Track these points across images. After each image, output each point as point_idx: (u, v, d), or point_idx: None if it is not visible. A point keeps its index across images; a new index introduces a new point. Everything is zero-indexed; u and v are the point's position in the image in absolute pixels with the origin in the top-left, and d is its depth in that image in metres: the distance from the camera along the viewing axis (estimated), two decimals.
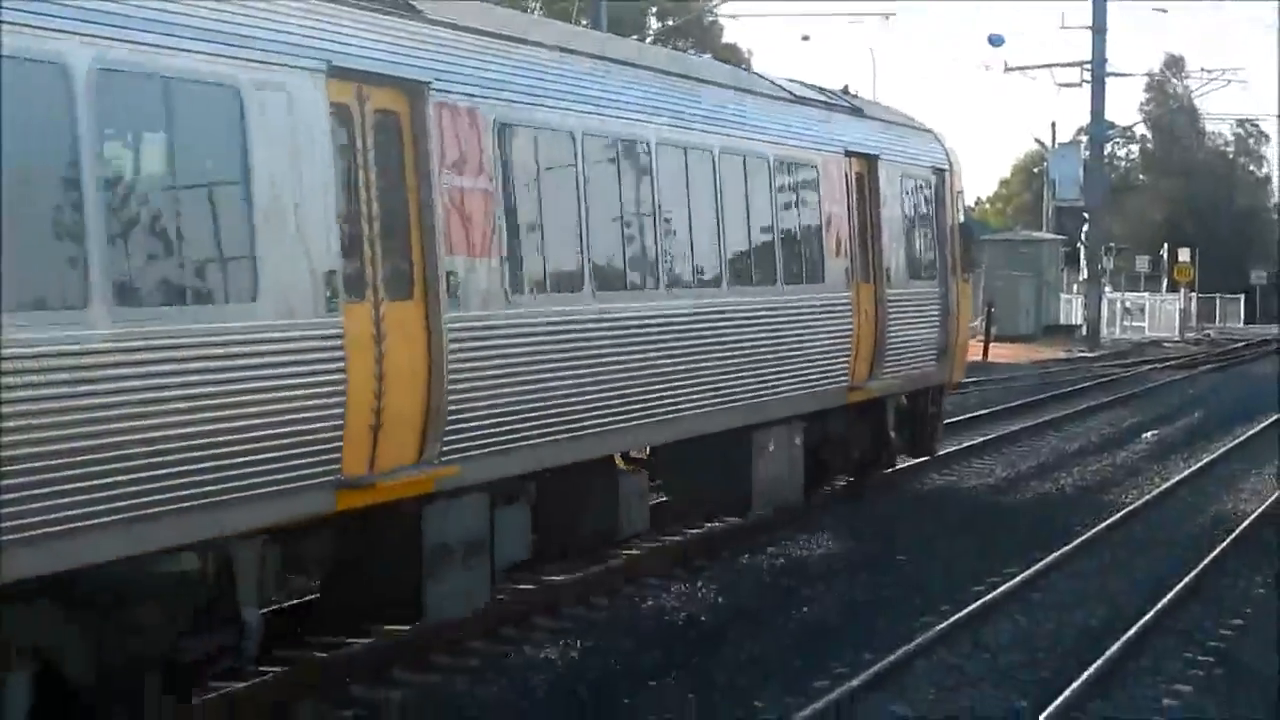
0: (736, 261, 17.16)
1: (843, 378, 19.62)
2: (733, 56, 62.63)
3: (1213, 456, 26.44)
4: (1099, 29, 60.74)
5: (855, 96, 22.04)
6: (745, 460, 17.76)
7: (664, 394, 15.65)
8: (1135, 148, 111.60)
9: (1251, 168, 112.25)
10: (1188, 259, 74.76)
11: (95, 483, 9.54)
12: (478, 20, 13.84)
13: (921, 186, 22.16)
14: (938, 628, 14.27)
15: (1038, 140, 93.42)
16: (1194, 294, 78.71)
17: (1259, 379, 44.59)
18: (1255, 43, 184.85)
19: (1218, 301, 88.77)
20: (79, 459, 9.42)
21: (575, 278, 14.41)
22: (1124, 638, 13.73)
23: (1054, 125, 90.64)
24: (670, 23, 60.08)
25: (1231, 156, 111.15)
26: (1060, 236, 74.48)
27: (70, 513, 9.43)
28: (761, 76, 19.64)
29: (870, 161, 20.51)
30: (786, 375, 18.11)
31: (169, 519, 10.12)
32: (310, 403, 11.16)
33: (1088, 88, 62.04)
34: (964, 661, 13.51)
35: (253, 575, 11.23)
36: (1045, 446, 28.13)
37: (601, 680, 12.95)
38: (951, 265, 22.89)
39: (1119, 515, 20.46)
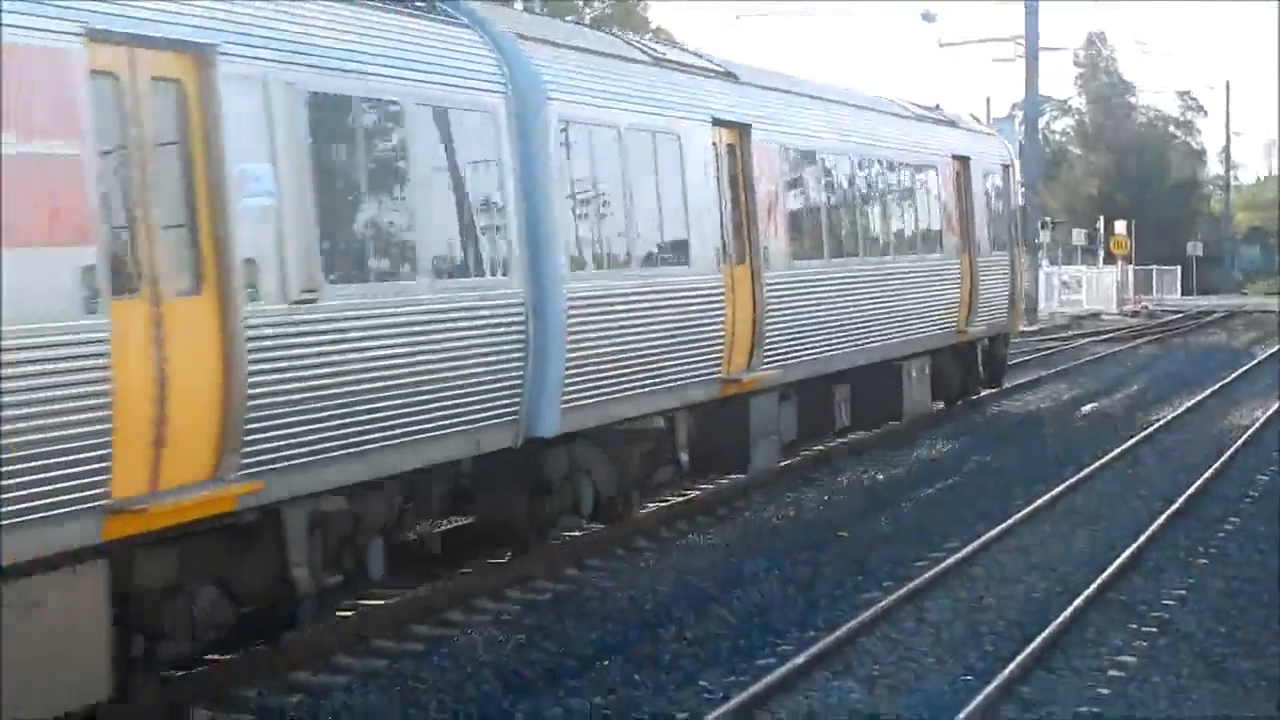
0: (896, 235, 24.11)
1: (953, 324, 26.62)
2: (660, 38, 62.90)
3: (1149, 431, 26.74)
4: (1031, 3, 59.98)
5: (946, 112, 29.04)
6: (898, 383, 24.72)
7: (863, 330, 22.57)
8: (1070, 121, 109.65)
9: (1188, 140, 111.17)
10: (1124, 231, 74.17)
11: (618, 371, 16.28)
12: (768, 80, 20.84)
13: (995, 179, 29.21)
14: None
15: (973, 115, 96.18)
16: (1131, 266, 77.51)
17: (1196, 350, 46.34)
18: (1190, 16, 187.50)
19: (1154, 273, 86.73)
20: (612, 357, 16.17)
21: (820, 247, 21.35)
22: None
23: (989, 101, 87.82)
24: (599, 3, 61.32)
25: (1165, 128, 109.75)
26: None
27: (607, 390, 16.20)
28: (894, 101, 26.63)
29: (965, 162, 27.53)
30: (924, 320, 25.09)
31: (656, 396, 16.96)
32: (712, 324, 18.04)
33: (1022, 63, 61.17)
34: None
35: (684, 434, 18.14)
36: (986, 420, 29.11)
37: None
38: (1014, 240, 29.97)
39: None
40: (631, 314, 16.47)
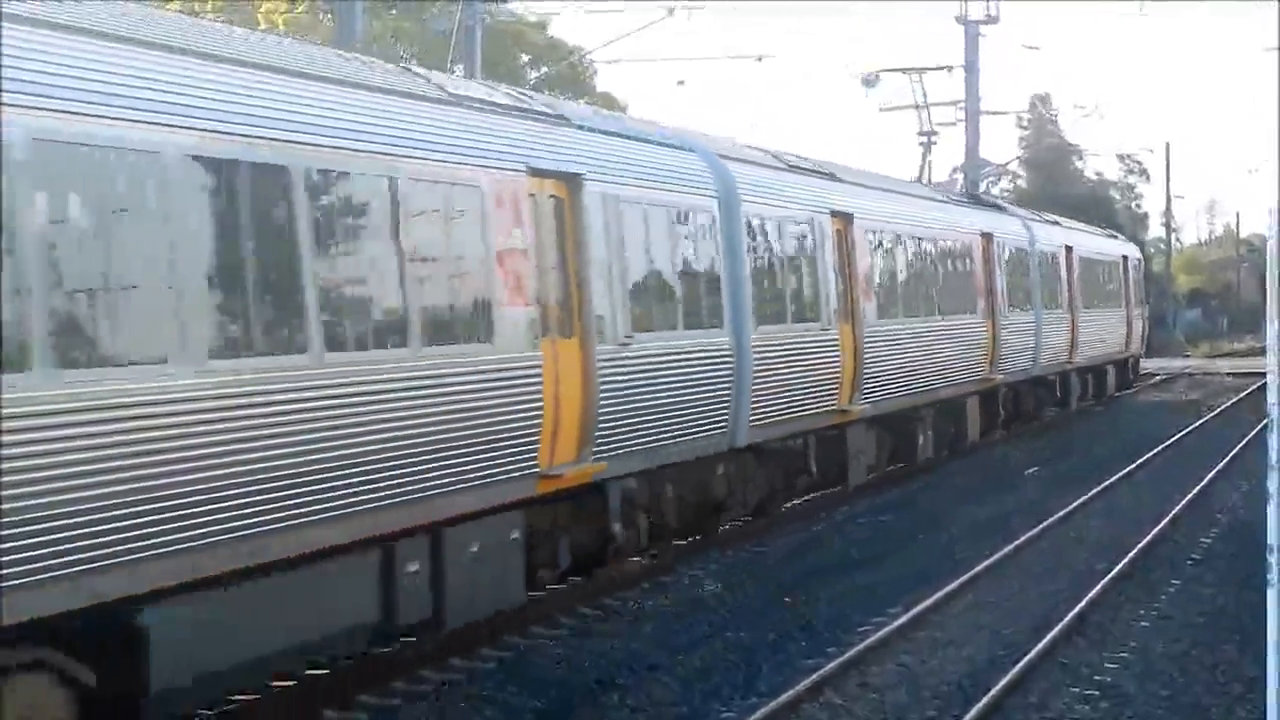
0: (1093, 295, 44.90)
1: (1120, 347, 48.06)
2: (607, 103, 60.16)
3: (1094, 491, 27.35)
4: (971, 68, 60.95)
5: (1108, 228, 50.94)
6: (1105, 379, 46.03)
7: (1082, 342, 43.40)
8: (1010, 185, 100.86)
9: (1129, 205, 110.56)
10: None
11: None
12: (1057, 216, 42.60)
13: (1135, 266, 51.08)
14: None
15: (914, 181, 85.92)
16: None
17: (1137, 412, 46.64)
18: (1125, 79, 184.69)
19: None
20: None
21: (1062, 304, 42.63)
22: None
23: (930, 164, 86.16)
24: (545, 70, 59.49)
25: (1108, 192, 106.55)
26: None
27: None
28: (1084, 222, 48.47)
29: (1125, 259, 49.41)
30: (1109, 346, 46.37)
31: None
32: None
33: (963, 127, 62.03)
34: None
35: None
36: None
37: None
38: (1143, 300, 52.09)
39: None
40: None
